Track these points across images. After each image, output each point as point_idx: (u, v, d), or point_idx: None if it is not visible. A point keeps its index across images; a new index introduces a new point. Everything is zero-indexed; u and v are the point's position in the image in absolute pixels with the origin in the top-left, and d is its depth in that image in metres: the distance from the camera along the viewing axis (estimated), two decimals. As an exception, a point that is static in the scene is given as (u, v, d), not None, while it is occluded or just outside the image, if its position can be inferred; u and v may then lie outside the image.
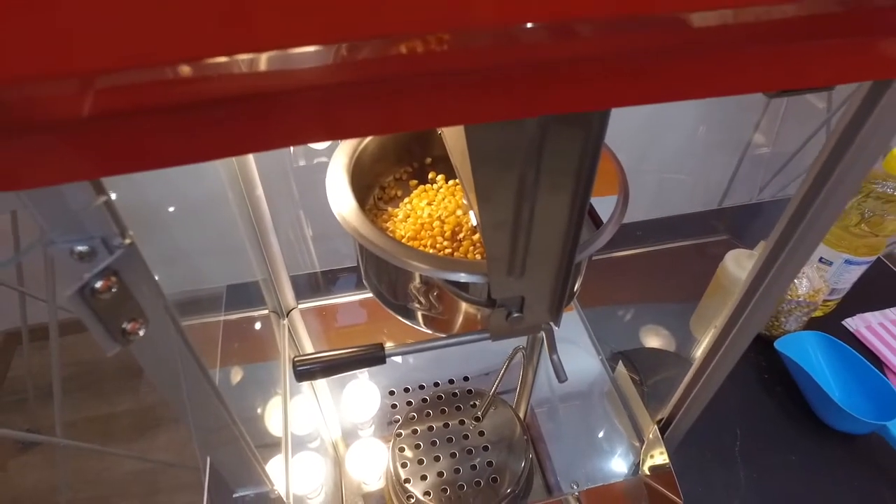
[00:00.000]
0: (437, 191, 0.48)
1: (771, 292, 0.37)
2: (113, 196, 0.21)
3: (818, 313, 0.76)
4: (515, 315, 0.36)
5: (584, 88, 0.20)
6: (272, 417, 0.63)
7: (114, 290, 0.20)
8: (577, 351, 0.75)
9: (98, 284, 0.20)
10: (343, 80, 0.17)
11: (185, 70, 0.16)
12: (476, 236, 0.43)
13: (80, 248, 0.20)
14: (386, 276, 0.42)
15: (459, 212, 0.45)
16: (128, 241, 0.20)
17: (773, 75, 0.22)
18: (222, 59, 0.16)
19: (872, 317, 0.75)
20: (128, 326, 0.21)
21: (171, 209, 0.62)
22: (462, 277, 0.35)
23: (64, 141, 0.17)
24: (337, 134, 0.20)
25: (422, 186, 0.49)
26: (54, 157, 0.18)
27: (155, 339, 0.23)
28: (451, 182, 0.49)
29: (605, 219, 0.40)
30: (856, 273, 0.71)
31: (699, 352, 0.46)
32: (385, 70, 0.17)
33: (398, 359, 0.75)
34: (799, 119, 1.26)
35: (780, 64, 0.21)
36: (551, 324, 0.39)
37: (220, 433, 0.29)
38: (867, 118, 0.27)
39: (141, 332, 0.22)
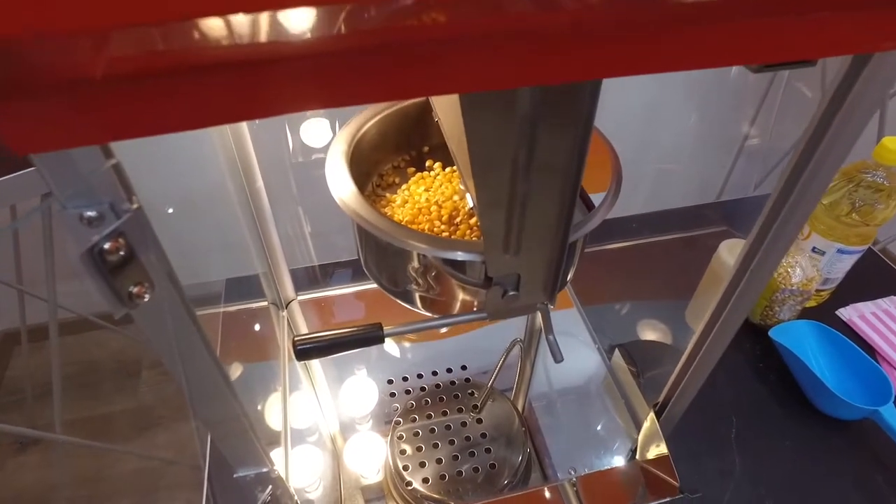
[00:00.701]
0: (435, 178, 0.49)
1: (757, 275, 0.38)
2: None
3: (812, 303, 0.77)
4: (511, 293, 0.37)
5: (575, 57, 0.21)
6: (272, 407, 0.64)
7: (121, 252, 0.21)
8: (575, 344, 0.75)
9: (106, 245, 0.20)
10: (340, 48, 0.18)
11: (186, 35, 0.16)
12: (472, 220, 0.43)
13: (89, 213, 0.21)
14: (385, 259, 0.43)
15: (456, 197, 0.46)
16: (135, 205, 0.21)
17: (757, 47, 0.23)
18: (224, 25, 0.16)
19: (865, 306, 0.76)
20: (134, 290, 0.22)
21: (172, 207, 0.62)
22: (459, 256, 0.36)
23: (75, 105, 0.18)
24: (333, 102, 0.20)
25: (419, 174, 0.49)
26: (66, 121, 0.18)
27: (159, 304, 0.23)
28: (447, 169, 0.49)
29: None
30: (848, 262, 0.72)
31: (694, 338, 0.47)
32: (381, 39, 0.18)
33: (397, 352, 0.76)
34: (795, 114, 1.28)
35: (763, 36, 0.22)
36: (547, 303, 0.40)
37: (220, 402, 0.30)
38: (842, 104, 0.28)
39: (146, 297, 0.23)
